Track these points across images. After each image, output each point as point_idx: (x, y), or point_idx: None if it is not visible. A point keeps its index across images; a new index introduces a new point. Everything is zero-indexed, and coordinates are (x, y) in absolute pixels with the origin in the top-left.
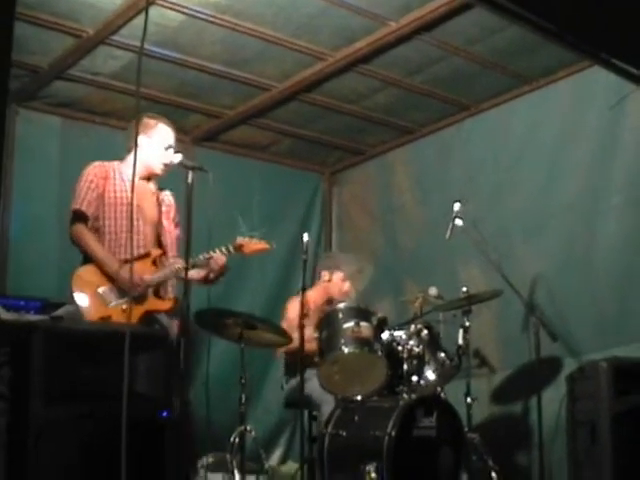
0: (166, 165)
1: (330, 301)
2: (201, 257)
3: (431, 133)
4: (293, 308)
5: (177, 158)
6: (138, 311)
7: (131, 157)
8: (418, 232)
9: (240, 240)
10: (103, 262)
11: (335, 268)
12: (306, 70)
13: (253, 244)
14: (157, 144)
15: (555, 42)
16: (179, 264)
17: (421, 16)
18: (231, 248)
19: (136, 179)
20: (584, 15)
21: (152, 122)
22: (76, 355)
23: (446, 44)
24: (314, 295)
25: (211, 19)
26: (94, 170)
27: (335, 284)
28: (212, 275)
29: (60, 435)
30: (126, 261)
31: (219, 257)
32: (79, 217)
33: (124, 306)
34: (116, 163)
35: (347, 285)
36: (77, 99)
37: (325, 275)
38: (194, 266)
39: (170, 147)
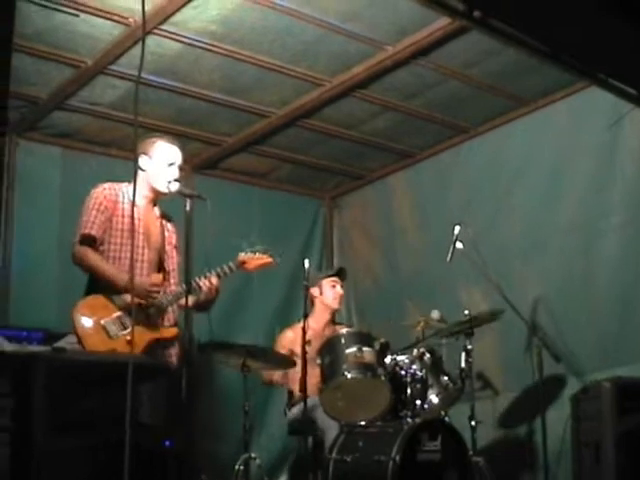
0: (168, 186)
1: (332, 321)
2: (194, 282)
3: (430, 157)
4: (282, 343)
5: (175, 187)
6: (143, 339)
7: (138, 180)
8: (419, 256)
9: (242, 256)
10: (112, 277)
11: (319, 278)
12: (304, 96)
13: (256, 259)
14: (158, 162)
15: (551, 64)
16: (182, 289)
17: (417, 40)
18: (233, 266)
19: (143, 202)
20: (580, 37)
21: (151, 141)
22: (78, 386)
23: (443, 68)
24: (313, 322)
25: (208, 47)
26: (104, 193)
27: (327, 294)
28: (203, 297)
29: (63, 466)
30: (127, 290)
31: (211, 278)
32: (87, 241)
33: (128, 337)
34: (125, 185)
35: (338, 288)
36: (77, 129)
37: (315, 291)
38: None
39: (172, 164)
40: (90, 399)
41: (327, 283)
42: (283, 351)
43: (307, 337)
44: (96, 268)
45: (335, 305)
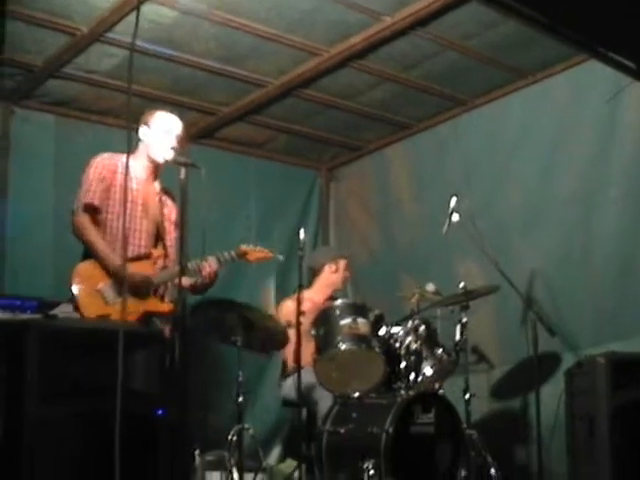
0: (167, 154)
1: (332, 298)
2: (195, 264)
3: (427, 128)
4: (282, 312)
5: (170, 155)
6: (138, 310)
7: (139, 150)
8: (415, 227)
9: (244, 248)
10: (104, 258)
11: (338, 257)
12: (301, 66)
13: (257, 252)
14: (156, 130)
15: (551, 36)
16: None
17: (416, 11)
18: (234, 255)
19: (143, 175)
20: (580, 8)
21: (151, 112)
22: (71, 353)
23: (441, 39)
24: (313, 294)
25: (205, 15)
26: (103, 162)
27: (340, 274)
28: (200, 281)
29: (55, 433)
30: (128, 260)
31: (211, 263)
32: (87, 209)
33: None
34: (125, 156)
35: (348, 272)
36: (72, 97)
37: (331, 267)
38: (189, 275)
39: (170, 132)
40: (83, 366)
41: (343, 264)
42: (282, 321)
43: (306, 309)
44: (92, 244)
45: (342, 287)
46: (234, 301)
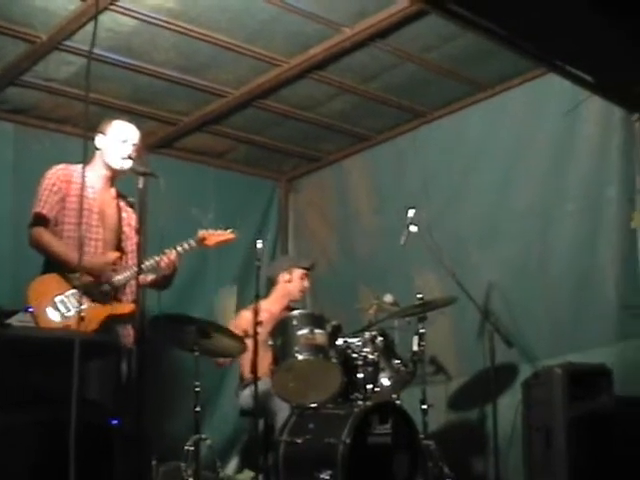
0: (123, 163)
1: (289, 308)
2: (152, 260)
3: (387, 140)
4: (240, 322)
5: (128, 164)
6: (99, 316)
7: (95, 161)
8: (374, 239)
9: (202, 233)
10: (64, 256)
11: (293, 266)
12: (261, 76)
13: (217, 235)
14: (113, 139)
15: (509, 49)
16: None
17: (376, 23)
18: (193, 242)
19: (100, 183)
20: (538, 22)
21: (108, 121)
22: (26, 362)
23: (401, 51)
24: (270, 305)
25: (164, 24)
26: (57, 173)
27: (295, 284)
28: (161, 274)
29: (10, 441)
30: (81, 269)
31: (169, 254)
32: (40, 221)
33: (82, 314)
34: (80, 166)
35: (305, 282)
36: (31, 105)
37: (285, 276)
38: (148, 271)
39: (126, 141)
40: (37, 376)
41: (298, 273)
42: (238, 332)
43: (263, 319)
44: (49, 247)
45: (299, 296)
46: (191, 316)
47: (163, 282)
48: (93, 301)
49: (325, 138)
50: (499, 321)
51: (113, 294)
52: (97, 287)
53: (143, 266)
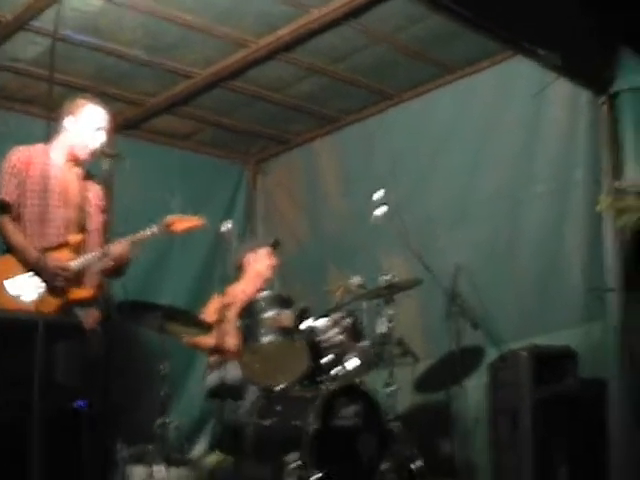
0: (92, 150)
1: (262, 289)
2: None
3: (355, 122)
4: (212, 307)
5: (96, 148)
6: (57, 301)
7: (60, 140)
8: (342, 220)
9: (170, 218)
10: (23, 251)
11: (256, 246)
12: (229, 57)
13: (185, 221)
14: (84, 126)
15: (477, 31)
16: (92, 255)
17: (345, 3)
18: (157, 229)
19: (61, 161)
20: (505, 4)
21: (81, 102)
22: None
23: (369, 32)
24: (244, 287)
25: (131, 4)
26: (16, 155)
27: (262, 262)
28: (111, 264)
29: None
30: (45, 250)
31: (117, 246)
32: (3, 208)
33: (41, 296)
34: (42, 146)
35: (273, 259)
36: None
37: (250, 257)
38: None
39: (99, 129)
40: (1, 358)
41: (263, 252)
42: (213, 316)
43: (239, 301)
44: (9, 239)
45: (269, 274)
46: (157, 303)
47: (115, 271)
48: (48, 287)
49: (293, 120)
50: (466, 303)
51: (72, 279)
52: (52, 276)
53: (107, 250)
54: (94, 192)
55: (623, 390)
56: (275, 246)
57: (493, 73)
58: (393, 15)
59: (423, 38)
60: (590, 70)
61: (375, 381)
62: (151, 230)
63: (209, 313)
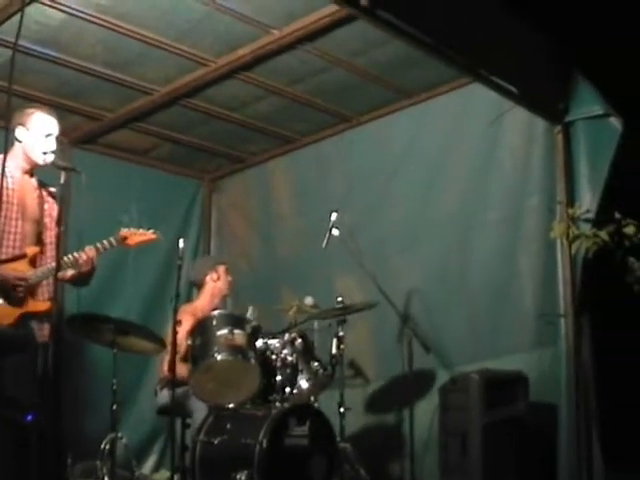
0: (45, 158)
1: (218, 307)
2: (72, 256)
3: (312, 143)
4: (187, 319)
5: (50, 158)
6: (14, 313)
7: (14, 150)
8: (296, 241)
9: (124, 232)
10: None
11: (216, 264)
12: (188, 75)
13: (139, 235)
14: (35, 133)
15: (435, 57)
16: (52, 266)
17: (304, 26)
18: (114, 241)
19: (18, 173)
20: (464, 32)
21: (29, 111)
22: None
23: (329, 55)
24: (202, 303)
25: (92, 19)
26: None
27: (222, 279)
28: (80, 271)
29: None
30: (2, 261)
31: (88, 251)
32: None
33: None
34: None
35: (229, 277)
36: None
37: (213, 276)
38: (67, 267)
39: (50, 135)
40: None
41: (222, 269)
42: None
43: (199, 318)
44: None
45: (228, 291)
46: (109, 316)
47: (81, 279)
48: (6, 298)
49: (250, 139)
50: (418, 326)
51: (29, 291)
52: (11, 287)
53: (62, 262)
54: (49, 204)
55: (573, 415)
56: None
57: (450, 99)
58: (352, 39)
59: (382, 63)
60: (546, 99)
61: (326, 401)
62: (108, 241)
63: (185, 325)
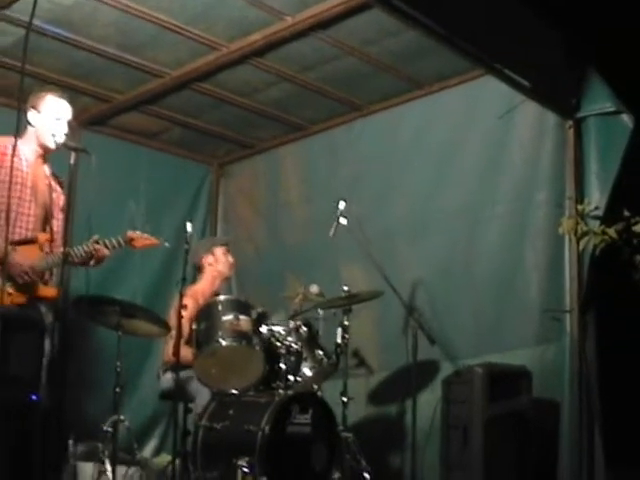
0: (56, 141)
1: (217, 294)
2: (84, 248)
3: (321, 131)
4: (189, 303)
5: (60, 141)
6: (23, 296)
7: (28, 134)
8: (303, 229)
9: (131, 234)
10: None
11: (213, 246)
12: (200, 59)
13: (144, 239)
14: (47, 116)
15: (448, 48)
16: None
17: (318, 13)
18: (122, 241)
19: (32, 157)
20: (478, 24)
21: (42, 94)
22: None
23: (341, 43)
24: (202, 287)
25: (105, 0)
26: None
27: (221, 261)
28: (92, 263)
29: None
30: (12, 243)
31: (101, 249)
32: None
33: (10, 290)
34: (11, 139)
35: (230, 257)
36: None
37: (209, 258)
38: (77, 259)
39: (60, 119)
40: None
41: (220, 251)
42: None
43: (201, 302)
44: None
45: (229, 272)
46: (115, 298)
47: (91, 266)
48: (17, 283)
49: (260, 125)
50: (423, 318)
51: (38, 277)
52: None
53: (72, 254)
54: (57, 193)
55: (575, 411)
56: (230, 244)
57: (462, 91)
58: (366, 28)
59: (394, 52)
60: (558, 94)
61: (330, 390)
62: (117, 240)
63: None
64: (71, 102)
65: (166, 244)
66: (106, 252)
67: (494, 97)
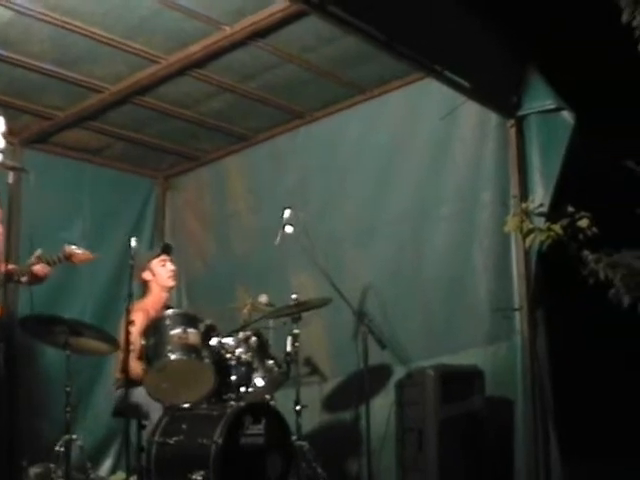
0: None
1: (167, 307)
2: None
3: (265, 140)
4: (139, 317)
5: None
6: None
7: None
8: (251, 239)
9: (69, 249)
10: None
11: (147, 260)
12: (139, 73)
13: (81, 254)
14: None
15: (388, 53)
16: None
17: (256, 22)
18: (62, 257)
19: None
20: (417, 27)
21: None
22: None
23: (280, 51)
24: (151, 301)
25: (40, 16)
26: None
27: (159, 274)
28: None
29: None
30: None
31: (43, 267)
32: None
33: None
34: None
35: (170, 265)
36: None
37: (147, 274)
38: (19, 276)
39: None
40: None
41: (157, 263)
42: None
43: (150, 316)
44: None
45: (170, 282)
46: (62, 317)
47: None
48: None
49: (203, 137)
50: (373, 322)
51: None
52: None
53: (14, 271)
54: None
55: (529, 408)
56: (167, 251)
57: (403, 94)
58: (304, 35)
59: (334, 58)
60: (499, 93)
61: (283, 399)
62: (57, 256)
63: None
64: (11, 121)
65: (98, 256)
66: (47, 269)
67: (436, 99)
